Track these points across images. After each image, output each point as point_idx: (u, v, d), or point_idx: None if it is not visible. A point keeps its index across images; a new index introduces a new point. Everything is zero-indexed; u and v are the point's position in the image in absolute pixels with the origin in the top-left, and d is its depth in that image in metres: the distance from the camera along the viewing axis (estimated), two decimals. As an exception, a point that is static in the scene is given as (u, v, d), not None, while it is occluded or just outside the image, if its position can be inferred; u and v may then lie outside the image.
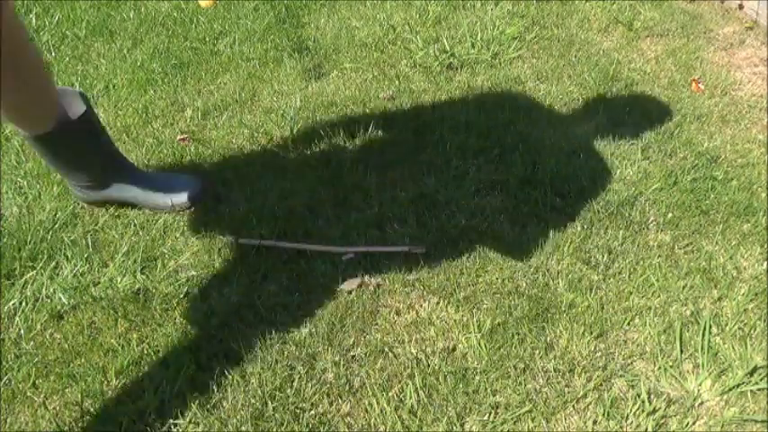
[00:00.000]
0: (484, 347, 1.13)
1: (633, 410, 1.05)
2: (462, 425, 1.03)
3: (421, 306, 1.22)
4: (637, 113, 1.75)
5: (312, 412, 1.05)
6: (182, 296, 1.24)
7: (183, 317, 1.20)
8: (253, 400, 1.06)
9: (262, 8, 2.36)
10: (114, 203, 1.42)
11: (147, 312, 1.21)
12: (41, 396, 1.08)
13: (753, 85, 1.91)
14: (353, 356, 1.13)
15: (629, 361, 1.13)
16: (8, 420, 1.05)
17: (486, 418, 1.03)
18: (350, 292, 1.24)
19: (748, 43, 2.13)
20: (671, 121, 1.72)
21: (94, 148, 1.36)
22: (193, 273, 1.29)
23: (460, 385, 1.08)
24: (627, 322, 1.19)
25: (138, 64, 1.96)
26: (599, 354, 1.13)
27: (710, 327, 1.17)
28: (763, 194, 1.48)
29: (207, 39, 2.11)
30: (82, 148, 1.33)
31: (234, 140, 1.65)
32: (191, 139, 1.68)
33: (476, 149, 1.60)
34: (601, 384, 1.09)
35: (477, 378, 1.09)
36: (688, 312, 1.21)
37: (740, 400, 1.07)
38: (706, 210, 1.43)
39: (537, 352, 1.13)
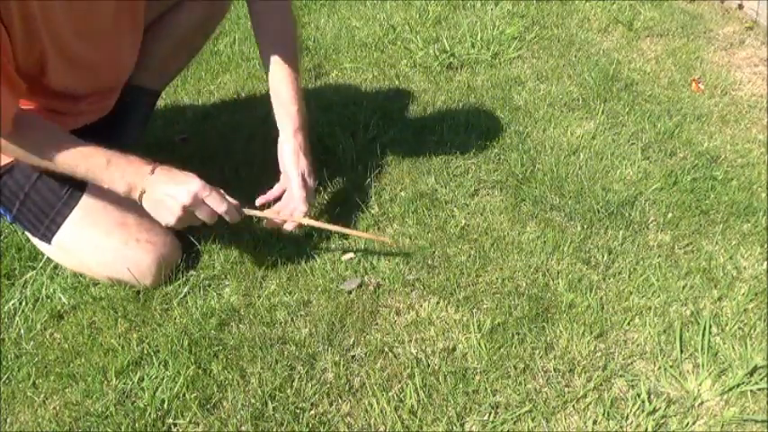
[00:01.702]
0: (484, 347, 1.13)
1: (633, 410, 1.05)
2: (462, 425, 1.03)
3: (421, 306, 1.22)
4: (637, 113, 1.75)
5: (312, 412, 1.05)
6: (182, 296, 1.24)
7: (183, 317, 1.20)
8: (253, 400, 1.06)
9: (262, 8, 2.36)
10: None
11: (147, 312, 1.21)
12: (41, 396, 1.08)
13: (753, 85, 1.91)
14: (353, 356, 1.13)
15: (629, 361, 1.13)
16: (8, 420, 1.05)
17: (486, 418, 1.03)
18: (350, 292, 1.24)
19: (748, 43, 2.13)
20: (671, 121, 1.72)
21: None
22: (194, 272, 1.29)
23: (460, 385, 1.08)
24: (627, 322, 1.19)
25: (138, 64, 1.96)
26: (599, 354, 1.13)
27: (710, 327, 1.17)
28: (763, 194, 1.48)
29: (207, 39, 2.11)
30: None
31: (234, 141, 1.65)
32: (191, 139, 1.69)
33: (476, 149, 1.60)
34: (601, 384, 1.09)
35: (477, 378, 1.09)
36: (688, 312, 1.21)
37: (740, 400, 1.07)
38: (706, 210, 1.43)
39: (537, 352, 1.13)
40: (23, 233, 1.34)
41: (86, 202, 1.23)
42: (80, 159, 1.11)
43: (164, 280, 1.26)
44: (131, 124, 1.48)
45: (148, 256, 1.23)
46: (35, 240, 1.29)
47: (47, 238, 1.25)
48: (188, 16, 1.42)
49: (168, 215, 1.14)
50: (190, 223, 1.18)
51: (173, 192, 1.13)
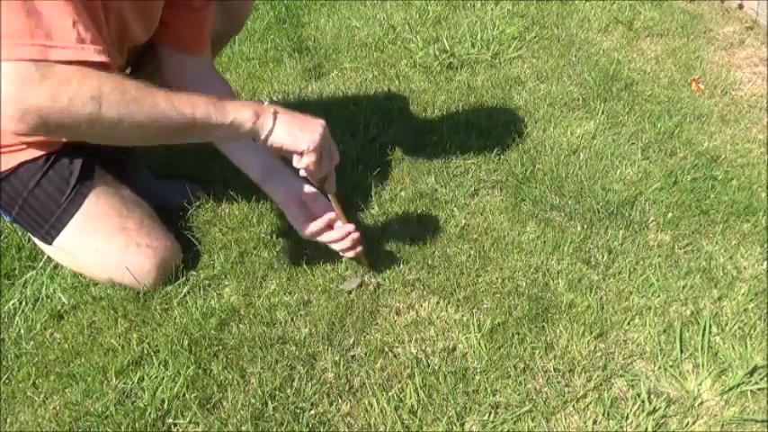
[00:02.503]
0: (484, 347, 1.13)
1: (633, 410, 1.05)
2: (462, 425, 1.03)
3: (421, 306, 1.22)
4: (637, 113, 1.75)
5: (312, 412, 1.05)
6: (182, 296, 1.24)
7: (183, 317, 1.20)
8: (253, 400, 1.06)
9: (262, 8, 2.36)
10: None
11: (147, 312, 1.21)
12: (41, 396, 1.08)
13: (753, 85, 1.91)
14: (353, 356, 1.13)
15: (629, 361, 1.13)
16: (8, 420, 1.05)
17: (486, 418, 1.03)
18: (350, 292, 1.24)
19: (748, 43, 2.13)
20: (671, 121, 1.72)
21: None
22: (194, 272, 1.29)
23: (460, 385, 1.08)
24: (627, 322, 1.19)
25: (138, 64, 1.96)
26: (599, 354, 1.13)
27: (710, 327, 1.17)
28: (763, 194, 1.48)
29: (207, 39, 2.11)
30: None
31: (234, 140, 1.65)
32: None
33: (476, 149, 1.60)
34: (601, 384, 1.09)
35: (477, 378, 1.09)
36: (688, 312, 1.21)
37: (740, 399, 1.07)
38: (706, 210, 1.43)
39: (537, 352, 1.13)
40: (24, 233, 1.34)
41: (87, 209, 1.23)
42: (195, 98, 0.98)
43: (163, 281, 1.26)
44: None
45: (149, 260, 1.22)
46: (35, 239, 1.29)
47: (47, 240, 1.24)
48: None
49: (312, 135, 1.03)
50: (321, 162, 1.07)
51: (309, 117, 1.06)
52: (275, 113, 1.02)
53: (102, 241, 1.22)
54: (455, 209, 1.43)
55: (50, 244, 1.25)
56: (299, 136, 1.02)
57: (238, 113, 1.00)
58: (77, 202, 1.22)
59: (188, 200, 1.42)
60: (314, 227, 1.19)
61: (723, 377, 1.10)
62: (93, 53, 0.89)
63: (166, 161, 1.59)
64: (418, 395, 1.06)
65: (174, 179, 1.49)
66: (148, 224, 1.26)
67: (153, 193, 1.42)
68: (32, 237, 1.29)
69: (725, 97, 1.84)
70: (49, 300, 1.25)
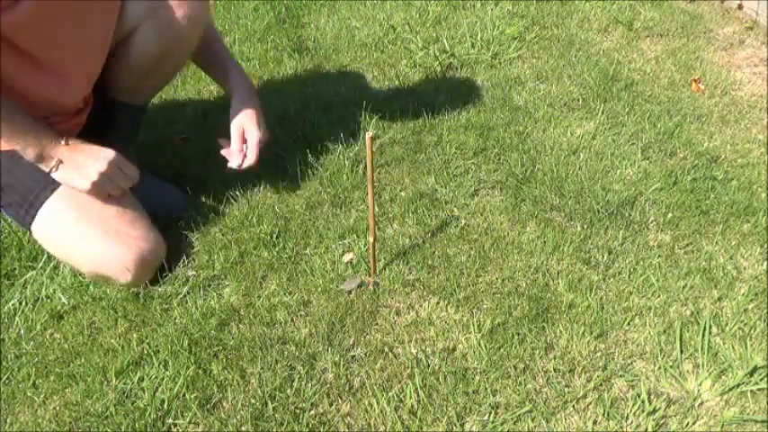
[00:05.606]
0: (484, 347, 1.13)
1: (633, 410, 1.05)
2: (462, 425, 1.03)
3: (421, 306, 1.22)
4: (637, 113, 1.75)
5: (312, 412, 1.05)
6: (182, 296, 1.24)
7: (183, 317, 1.20)
8: (253, 400, 1.06)
9: (262, 8, 2.36)
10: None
11: (147, 312, 1.21)
12: (41, 396, 1.08)
13: (753, 85, 1.91)
14: (353, 356, 1.13)
15: (629, 361, 1.13)
16: (8, 420, 1.05)
17: (486, 418, 1.03)
18: (350, 292, 1.24)
19: (748, 43, 2.13)
20: (671, 121, 1.72)
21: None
22: (193, 273, 1.29)
23: (460, 385, 1.08)
24: (627, 322, 1.19)
25: (138, 64, 1.96)
26: (599, 354, 1.13)
27: (710, 327, 1.17)
28: (763, 194, 1.48)
29: (207, 39, 2.11)
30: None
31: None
32: (191, 139, 1.69)
33: (476, 149, 1.60)
34: (601, 384, 1.09)
35: (477, 378, 1.09)
36: (688, 312, 1.21)
37: (740, 400, 1.07)
38: (706, 210, 1.43)
39: (537, 352, 1.13)
40: (25, 233, 1.34)
41: (66, 193, 1.21)
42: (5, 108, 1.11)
43: (149, 279, 1.25)
44: (116, 138, 1.44)
45: (130, 251, 1.21)
46: (28, 230, 1.27)
47: (26, 221, 1.22)
48: (149, 37, 1.30)
49: (85, 180, 1.20)
50: (105, 191, 1.23)
51: (90, 160, 1.20)
52: (58, 162, 1.19)
53: (87, 227, 1.21)
54: (455, 209, 1.43)
55: (30, 225, 1.23)
56: (78, 182, 1.20)
57: (24, 149, 1.16)
58: (55, 183, 1.21)
59: (186, 206, 1.42)
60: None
61: (723, 377, 1.10)
62: None
63: (167, 161, 1.59)
64: (418, 395, 1.06)
65: (175, 183, 1.49)
66: (131, 214, 1.25)
67: (155, 196, 1.42)
68: (17, 223, 1.27)
69: (725, 97, 1.85)
70: (48, 300, 1.25)
